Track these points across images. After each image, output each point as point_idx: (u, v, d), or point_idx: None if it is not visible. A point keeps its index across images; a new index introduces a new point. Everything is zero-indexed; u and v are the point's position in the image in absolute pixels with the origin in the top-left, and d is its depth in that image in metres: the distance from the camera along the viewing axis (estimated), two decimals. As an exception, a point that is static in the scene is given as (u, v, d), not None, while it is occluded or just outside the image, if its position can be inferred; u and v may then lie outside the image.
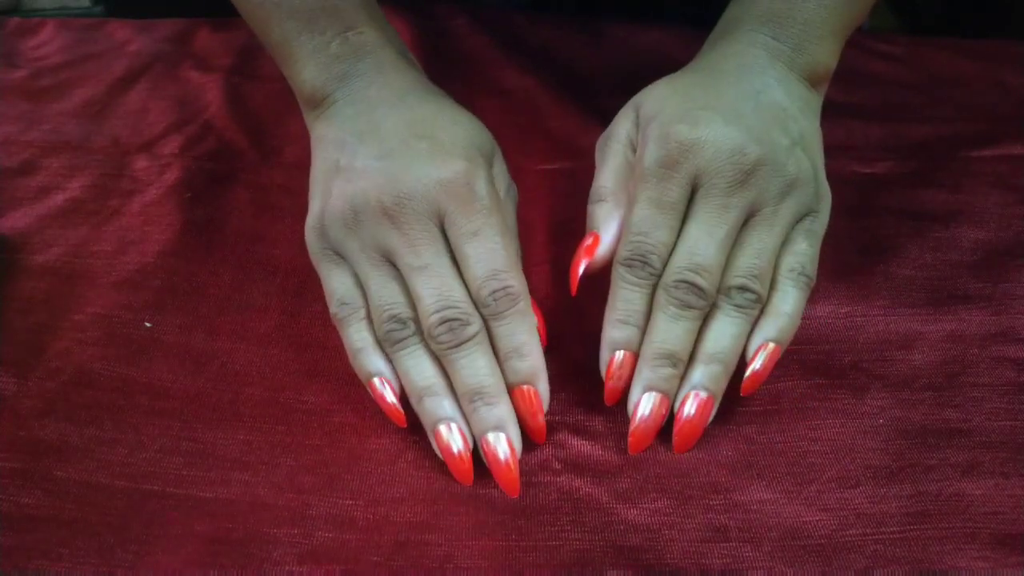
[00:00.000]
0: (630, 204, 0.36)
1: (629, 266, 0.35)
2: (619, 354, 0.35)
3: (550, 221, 0.45)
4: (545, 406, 0.35)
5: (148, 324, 0.41)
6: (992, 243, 0.43)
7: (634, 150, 0.37)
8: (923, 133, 0.50)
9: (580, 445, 0.36)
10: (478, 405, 0.34)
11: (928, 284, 0.42)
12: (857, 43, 0.56)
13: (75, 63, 0.57)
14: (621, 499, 0.34)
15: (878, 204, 0.46)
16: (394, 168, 0.35)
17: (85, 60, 0.58)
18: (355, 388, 0.38)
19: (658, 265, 0.35)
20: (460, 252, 0.34)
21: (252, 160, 0.50)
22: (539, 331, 0.36)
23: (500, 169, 0.38)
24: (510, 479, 0.34)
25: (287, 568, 0.32)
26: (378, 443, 0.36)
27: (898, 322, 0.40)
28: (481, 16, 0.58)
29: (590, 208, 0.37)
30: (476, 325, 0.34)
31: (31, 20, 0.62)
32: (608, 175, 0.37)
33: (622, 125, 0.38)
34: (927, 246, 0.43)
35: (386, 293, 0.35)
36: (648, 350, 0.35)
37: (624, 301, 0.35)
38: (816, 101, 0.39)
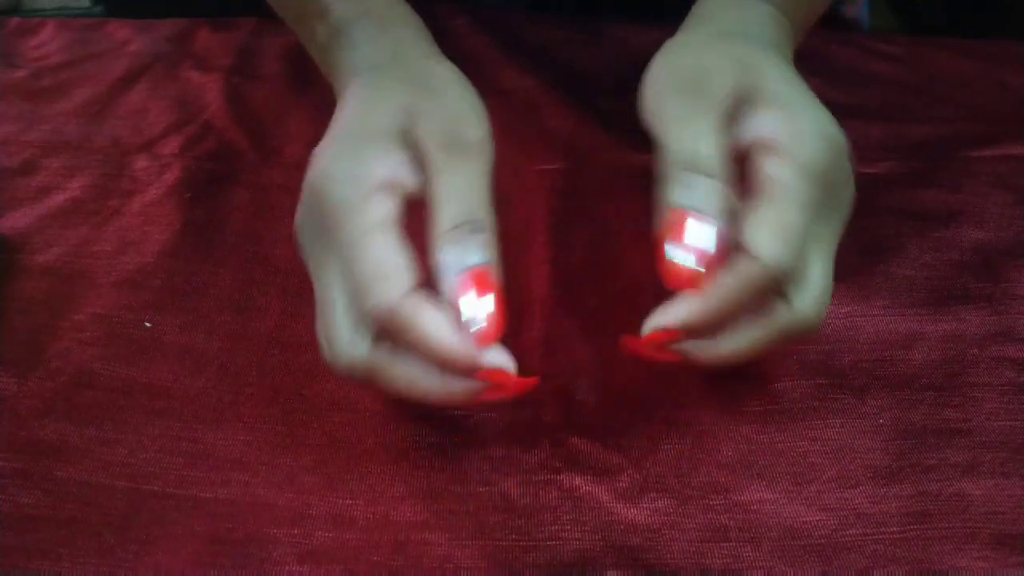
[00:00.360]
0: (773, 195, 0.30)
1: (763, 277, 0.30)
2: (682, 334, 0.31)
3: (550, 221, 0.45)
4: (507, 367, 0.30)
5: (148, 324, 0.41)
6: (992, 243, 0.43)
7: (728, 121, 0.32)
8: (923, 133, 0.50)
9: (580, 444, 0.36)
10: (430, 404, 0.32)
11: (928, 284, 0.42)
12: (857, 43, 0.56)
13: (75, 63, 0.57)
14: (621, 498, 0.34)
15: (878, 204, 0.46)
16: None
17: (85, 60, 0.58)
18: (355, 388, 0.38)
19: (783, 290, 0.31)
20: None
21: (252, 160, 0.50)
22: (497, 306, 0.31)
23: (435, 118, 0.32)
24: (514, 386, 0.31)
25: (287, 568, 0.32)
26: (378, 442, 0.36)
27: (898, 322, 0.40)
28: (481, 16, 0.58)
29: (685, 177, 0.30)
30: (348, 357, 0.30)
31: (31, 20, 0.62)
32: (708, 140, 0.31)
33: (719, 79, 0.32)
34: (927, 246, 0.43)
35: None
36: (719, 352, 0.32)
37: (729, 304, 0.30)
38: None
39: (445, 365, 0.30)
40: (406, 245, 0.31)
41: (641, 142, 0.49)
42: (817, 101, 0.33)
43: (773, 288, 0.30)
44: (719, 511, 0.34)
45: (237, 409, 0.38)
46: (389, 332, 0.30)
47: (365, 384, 0.32)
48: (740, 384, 0.36)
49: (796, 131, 0.31)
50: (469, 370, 0.30)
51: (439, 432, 0.36)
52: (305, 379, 0.39)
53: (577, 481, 0.35)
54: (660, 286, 0.32)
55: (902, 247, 0.43)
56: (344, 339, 0.31)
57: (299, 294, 0.42)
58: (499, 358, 0.30)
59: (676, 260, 0.30)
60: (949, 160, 0.48)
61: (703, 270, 0.30)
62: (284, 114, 0.52)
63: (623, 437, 0.36)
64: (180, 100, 0.54)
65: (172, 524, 0.34)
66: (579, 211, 0.46)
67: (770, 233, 0.30)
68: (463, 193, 0.31)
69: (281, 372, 0.39)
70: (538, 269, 0.43)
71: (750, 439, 0.36)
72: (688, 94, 0.32)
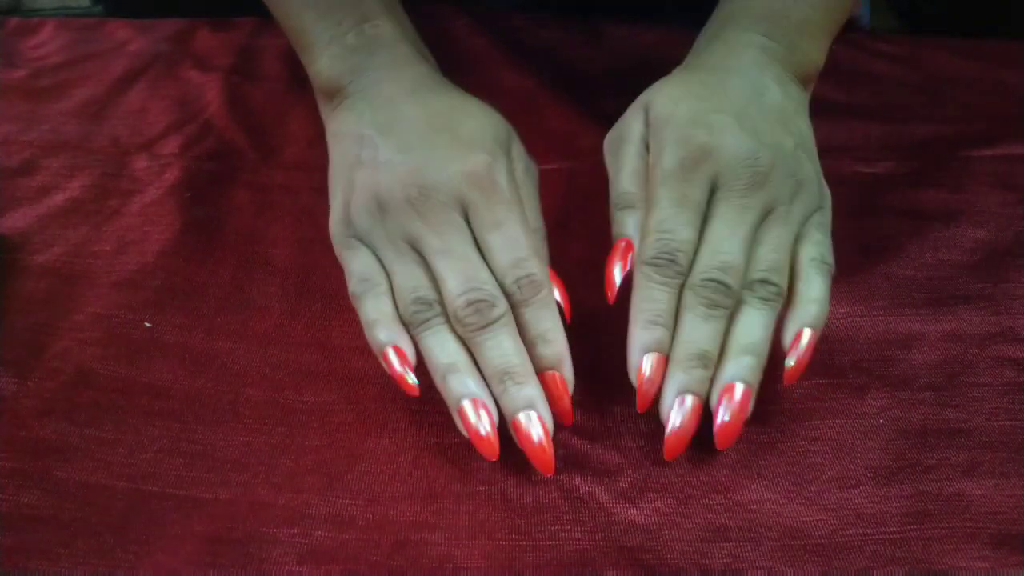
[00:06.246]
0: (649, 205, 0.36)
1: (656, 265, 0.34)
2: (649, 358, 0.34)
3: (549, 221, 0.45)
4: (571, 388, 0.35)
5: (148, 324, 0.41)
6: (992, 243, 0.43)
7: (648, 151, 0.37)
8: (924, 133, 0.50)
9: (580, 444, 0.36)
10: (508, 385, 0.34)
11: (928, 284, 0.42)
12: (857, 43, 0.56)
13: (75, 63, 0.57)
14: (621, 498, 0.34)
15: (879, 204, 0.46)
16: (417, 161, 0.35)
17: (85, 60, 0.58)
18: (355, 388, 0.38)
19: (684, 264, 0.34)
20: (484, 242, 0.35)
21: (252, 160, 0.50)
22: (564, 308, 0.37)
23: (518, 151, 0.38)
24: (544, 459, 0.34)
25: (287, 568, 0.32)
26: (377, 443, 0.36)
27: (898, 322, 0.40)
28: (481, 17, 0.58)
29: (618, 214, 0.37)
30: (502, 307, 0.34)
31: (31, 20, 0.62)
32: (630, 179, 0.37)
33: (634, 126, 0.38)
34: (927, 246, 0.43)
35: (412, 276, 0.35)
36: (679, 352, 0.34)
37: (652, 301, 0.34)
38: (806, 99, 0.39)
39: (531, 346, 0.35)
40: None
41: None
42: (709, 109, 0.36)
43: (673, 272, 0.34)
44: (719, 511, 0.34)
45: (237, 410, 0.38)
46: (519, 301, 0.35)
47: None
48: (776, 377, 0.36)
49: (658, 147, 0.36)
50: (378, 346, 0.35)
51: (439, 432, 0.36)
52: (305, 380, 0.39)
53: (577, 481, 0.35)
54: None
55: (902, 247, 0.43)
56: (490, 283, 0.35)
57: (299, 294, 0.42)
58: (404, 348, 0.35)
59: (618, 278, 0.36)
60: (949, 160, 0.48)
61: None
62: (284, 114, 0.53)
63: (623, 437, 0.36)
64: (180, 100, 0.54)
65: (171, 524, 0.34)
66: (579, 211, 0.46)
67: (646, 240, 0.35)
68: (533, 210, 0.39)
69: (281, 373, 0.39)
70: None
71: (750, 439, 0.36)
72: (614, 146, 0.38)
